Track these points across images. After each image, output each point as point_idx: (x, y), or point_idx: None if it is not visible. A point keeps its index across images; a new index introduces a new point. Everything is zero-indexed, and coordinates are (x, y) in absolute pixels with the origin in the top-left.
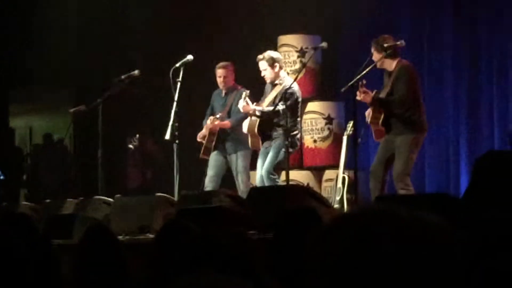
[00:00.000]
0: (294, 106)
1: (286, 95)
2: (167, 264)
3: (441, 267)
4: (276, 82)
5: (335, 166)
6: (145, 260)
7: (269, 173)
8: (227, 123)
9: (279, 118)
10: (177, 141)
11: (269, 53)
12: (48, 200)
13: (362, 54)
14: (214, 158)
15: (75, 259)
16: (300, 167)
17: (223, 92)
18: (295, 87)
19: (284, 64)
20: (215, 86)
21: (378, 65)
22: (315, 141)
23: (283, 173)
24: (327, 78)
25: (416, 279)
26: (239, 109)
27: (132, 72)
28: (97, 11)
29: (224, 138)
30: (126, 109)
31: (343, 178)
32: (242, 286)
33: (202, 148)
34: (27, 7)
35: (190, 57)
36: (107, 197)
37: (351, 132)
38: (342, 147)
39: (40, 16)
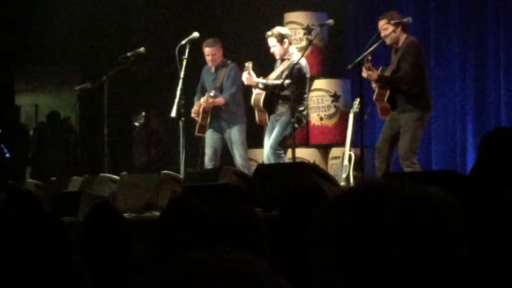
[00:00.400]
0: (300, 81)
1: (293, 70)
2: (173, 242)
3: (446, 242)
4: (285, 57)
5: (341, 144)
6: (151, 237)
7: (275, 149)
8: (220, 100)
9: (285, 92)
10: (182, 119)
11: (278, 29)
12: (53, 178)
13: (368, 31)
14: (210, 137)
15: (80, 236)
16: (306, 144)
17: (213, 68)
18: (303, 63)
19: (292, 41)
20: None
21: (389, 41)
22: (321, 118)
23: (290, 151)
24: (333, 55)
25: (421, 255)
26: (230, 84)
27: (138, 50)
28: None
29: (218, 115)
30: (131, 86)
31: (350, 156)
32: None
33: (197, 126)
34: None
35: (196, 34)
36: (113, 174)
37: (357, 110)
38: (348, 124)
39: None
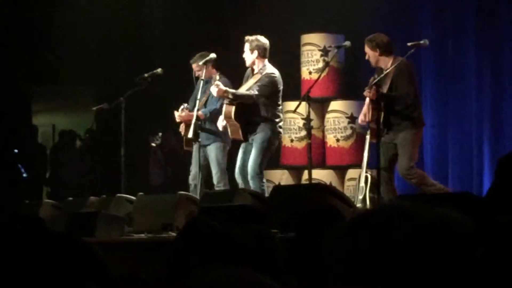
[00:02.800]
0: (271, 91)
1: (262, 80)
2: (190, 263)
3: (461, 264)
4: (256, 71)
5: (358, 165)
6: (167, 258)
7: (256, 174)
8: (200, 114)
9: (256, 104)
10: (199, 140)
11: (256, 37)
12: (70, 198)
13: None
14: (193, 154)
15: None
16: (323, 166)
17: (204, 82)
18: (276, 74)
19: (266, 54)
20: (237, 83)
21: (373, 64)
22: (337, 140)
23: (306, 172)
24: (350, 77)
25: (437, 276)
26: (215, 100)
27: (155, 71)
28: (120, 10)
29: (200, 129)
30: (148, 107)
31: (366, 177)
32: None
33: (184, 140)
34: (51, 5)
35: (213, 55)
36: (130, 195)
37: None
38: (364, 146)
39: (63, 14)
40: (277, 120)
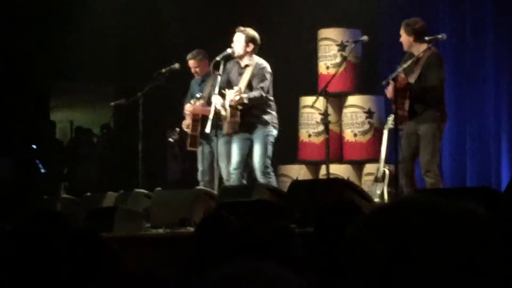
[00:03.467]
0: (269, 85)
1: (259, 74)
2: (208, 257)
3: (481, 257)
4: (247, 63)
5: (376, 160)
6: (186, 253)
7: (266, 169)
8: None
9: (261, 102)
10: (217, 134)
11: (251, 31)
12: (88, 193)
13: (402, 47)
14: (200, 150)
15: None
16: (340, 161)
17: (200, 80)
18: (268, 66)
19: (257, 49)
20: None
21: (405, 48)
22: (355, 135)
23: (323, 167)
24: (367, 71)
25: (456, 270)
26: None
27: (173, 65)
28: (137, 6)
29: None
30: (166, 102)
31: (384, 172)
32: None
33: (188, 139)
34: (69, 2)
35: (230, 50)
36: (147, 190)
37: (391, 126)
38: (382, 140)
39: (81, 11)
40: (273, 112)
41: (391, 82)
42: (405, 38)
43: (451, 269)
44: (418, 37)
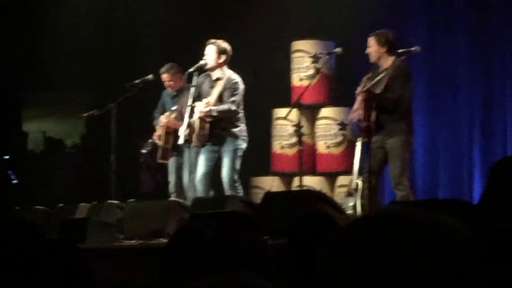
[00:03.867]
0: (240, 99)
1: (231, 89)
2: (182, 269)
3: (456, 269)
4: (218, 76)
5: (348, 172)
6: (158, 265)
7: (234, 181)
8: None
9: (230, 115)
10: (190, 146)
11: (222, 43)
12: (61, 204)
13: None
14: (172, 162)
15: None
16: (313, 172)
17: (173, 93)
18: (239, 80)
19: (228, 61)
20: None
21: (373, 59)
22: (328, 147)
23: (296, 178)
24: (341, 83)
25: (433, 280)
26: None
27: (146, 77)
28: (112, 15)
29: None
30: (139, 113)
31: (356, 184)
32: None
33: (159, 151)
34: (43, 10)
35: (203, 62)
36: (120, 201)
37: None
38: (355, 153)
39: (55, 19)
40: (242, 125)
41: (361, 93)
42: (375, 49)
43: (429, 278)
44: (389, 49)
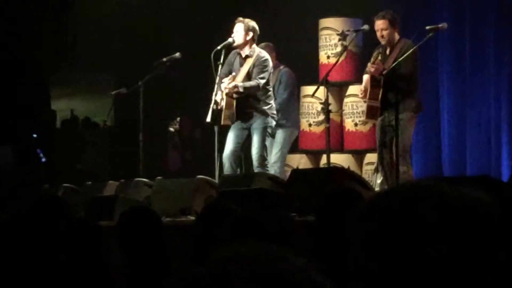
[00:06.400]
0: (269, 77)
1: (260, 66)
2: (210, 246)
3: (485, 242)
4: (247, 53)
5: (376, 150)
6: (187, 241)
7: (263, 159)
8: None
9: (258, 93)
10: (217, 124)
11: (251, 21)
12: (89, 182)
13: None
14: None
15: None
16: (341, 150)
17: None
18: (269, 57)
19: (256, 39)
20: None
21: (386, 41)
22: (356, 124)
23: (324, 156)
24: (368, 61)
25: (462, 255)
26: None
27: (173, 55)
28: None
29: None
30: (167, 91)
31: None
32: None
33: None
34: None
35: (231, 40)
36: (148, 179)
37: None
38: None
39: (81, 1)
40: (272, 103)
41: (371, 70)
42: (390, 31)
43: (457, 253)
44: (398, 28)
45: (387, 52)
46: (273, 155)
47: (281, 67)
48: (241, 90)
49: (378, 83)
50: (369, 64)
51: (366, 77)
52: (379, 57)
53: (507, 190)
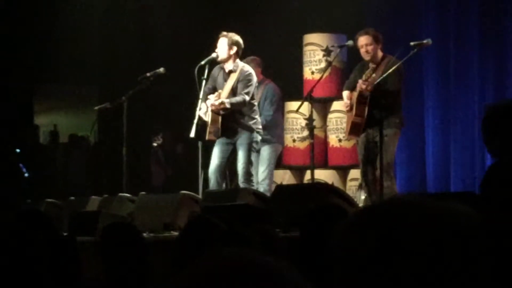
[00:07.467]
0: (253, 91)
1: (244, 81)
2: (193, 261)
3: (469, 256)
4: (231, 68)
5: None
6: (171, 257)
7: (249, 175)
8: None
9: (244, 108)
10: (201, 139)
11: (235, 35)
12: (72, 197)
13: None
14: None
15: (98, 255)
16: (325, 166)
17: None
18: (252, 72)
19: (240, 53)
20: None
21: (370, 57)
22: (340, 140)
23: (308, 172)
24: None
25: (445, 268)
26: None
27: (157, 70)
28: (123, 9)
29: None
30: (150, 106)
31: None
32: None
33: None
34: (54, 4)
35: (215, 55)
36: (131, 194)
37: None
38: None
39: (66, 13)
40: (257, 117)
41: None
42: (374, 47)
43: (441, 266)
44: (382, 45)
45: (370, 68)
46: (261, 173)
47: (267, 81)
48: (228, 106)
49: (365, 100)
50: (360, 81)
51: (346, 93)
52: (373, 74)
53: (481, 201)
